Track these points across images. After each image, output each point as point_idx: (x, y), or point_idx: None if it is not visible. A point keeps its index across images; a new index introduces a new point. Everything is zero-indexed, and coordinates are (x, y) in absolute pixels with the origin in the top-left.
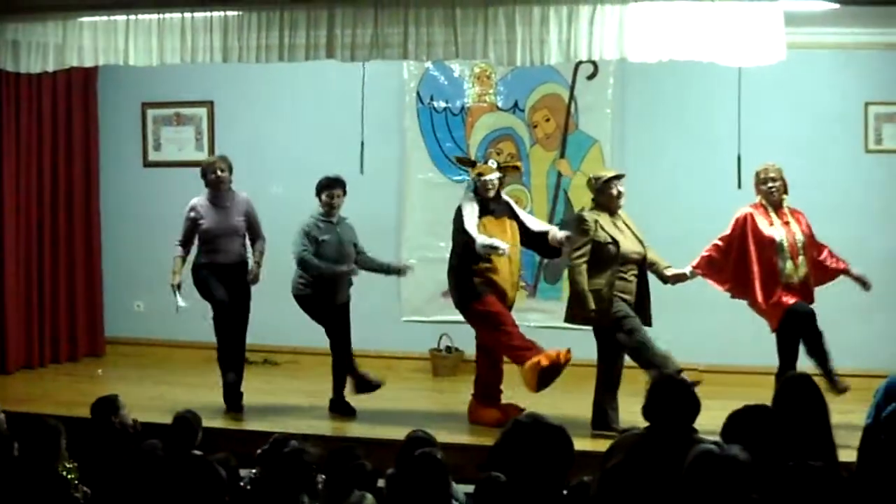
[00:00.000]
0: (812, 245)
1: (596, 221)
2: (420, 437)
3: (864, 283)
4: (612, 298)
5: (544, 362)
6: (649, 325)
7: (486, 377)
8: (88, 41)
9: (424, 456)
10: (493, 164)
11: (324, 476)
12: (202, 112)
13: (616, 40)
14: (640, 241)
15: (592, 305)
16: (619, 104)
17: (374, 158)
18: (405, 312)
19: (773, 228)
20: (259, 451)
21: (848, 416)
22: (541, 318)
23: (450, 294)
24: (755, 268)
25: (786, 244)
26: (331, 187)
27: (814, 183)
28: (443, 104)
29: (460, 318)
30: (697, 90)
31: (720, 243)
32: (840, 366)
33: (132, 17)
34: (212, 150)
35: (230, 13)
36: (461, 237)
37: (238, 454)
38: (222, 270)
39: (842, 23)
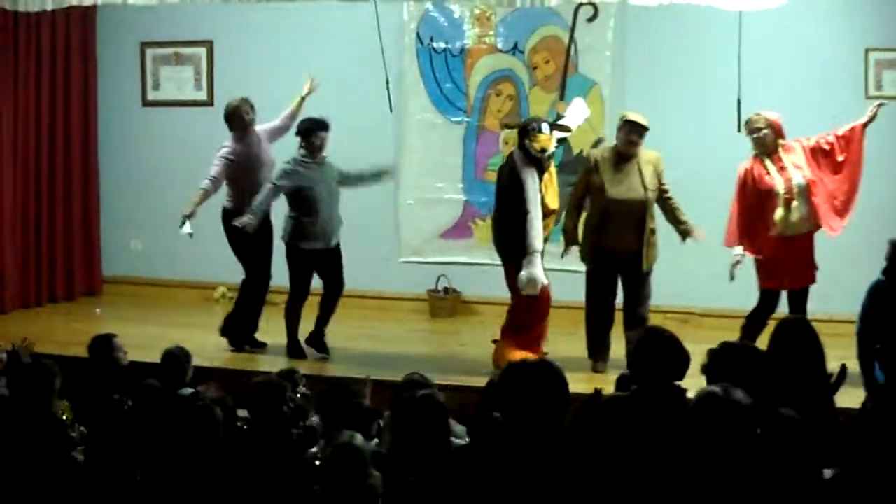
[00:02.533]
0: (820, 160)
1: (597, 163)
2: (416, 380)
3: (873, 116)
4: (591, 251)
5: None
6: (638, 272)
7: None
8: None
9: (424, 398)
10: (545, 128)
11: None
12: (201, 52)
13: None
14: (647, 188)
15: (562, 247)
16: (619, 47)
17: (371, 99)
18: (403, 253)
19: (768, 178)
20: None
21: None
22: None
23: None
24: (757, 221)
25: (782, 191)
26: (319, 129)
27: (813, 129)
28: (442, 45)
29: (459, 259)
30: (698, 33)
31: (739, 207)
32: (840, 311)
33: None
34: (211, 91)
35: None
36: (519, 206)
37: (232, 393)
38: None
39: None
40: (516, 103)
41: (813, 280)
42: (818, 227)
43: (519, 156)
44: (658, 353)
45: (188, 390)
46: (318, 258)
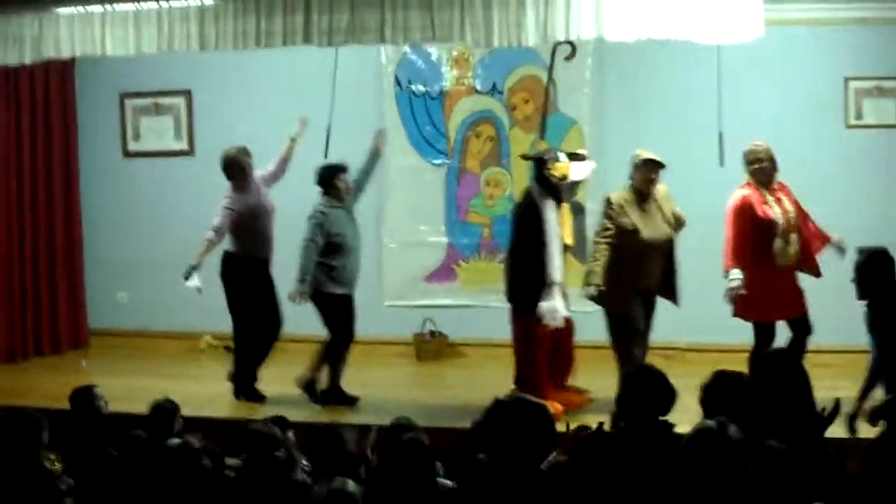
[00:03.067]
0: (802, 217)
1: (622, 206)
2: (403, 424)
3: (841, 249)
4: (627, 292)
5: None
6: (675, 302)
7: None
8: (65, 33)
9: (411, 441)
10: (563, 157)
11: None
12: (180, 101)
13: (593, 19)
14: (670, 224)
15: (598, 281)
16: (598, 84)
17: (353, 144)
18: (388, 297)
19: (768, 209)
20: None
21: (836, 393)
22: None
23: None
24: (750, 251)
25: (781, 223)
26: (341, 172)
27: (795, 159)
28: (421, 88)
29: (443, 301)
30: (676, 68)
31: (737, 233)
32: (823, 342)
33: (108, 7)
34: (191, 140)
35: (206, 1)
36: (535, 241)
37: (221, 443)
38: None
39: None
40: (496, 144)
41: (805, 307)
42: (805, 262)
43: (536, 188)
44: (644, 389)
45: (176, 441)
46: (346, 304)
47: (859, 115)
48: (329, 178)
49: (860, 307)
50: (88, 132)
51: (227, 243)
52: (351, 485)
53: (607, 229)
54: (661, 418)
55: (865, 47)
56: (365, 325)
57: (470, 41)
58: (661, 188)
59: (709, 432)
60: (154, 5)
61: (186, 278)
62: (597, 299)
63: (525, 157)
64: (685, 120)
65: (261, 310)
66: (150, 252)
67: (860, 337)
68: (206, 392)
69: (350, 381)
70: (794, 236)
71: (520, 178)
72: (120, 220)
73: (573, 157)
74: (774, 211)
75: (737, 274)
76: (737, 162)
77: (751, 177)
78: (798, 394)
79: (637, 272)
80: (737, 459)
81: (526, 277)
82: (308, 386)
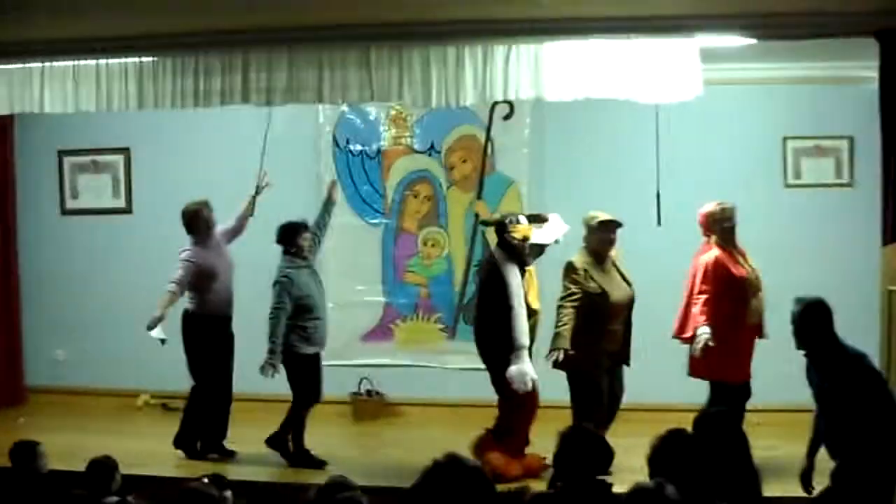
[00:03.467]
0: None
1: (585, 270)
2: (338, 482)
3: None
4: (595, 356)
5: (505, 472)
6: (627, 364)
7: (512, 421)
8: (3, 89)
9: (347, 500)
10: (523, 220)
11: None
12: (119, 159)
13: (532, 79)
14: (629, 283)
15: (566, 345)
16: (537, 144)
17: (290, 203)
18: (325, 357)
19: (739, 268)
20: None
21: (772, 452)
22: (460, 360)
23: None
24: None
25: (753, 281)
26: (303, 229)
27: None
28: (359, 147)
29: (381, 361)
30: (615, 127)
31: (713, 293)
32: (765, 401)
33: (47, 64)
34: (129, 198)
35: (145, 59)
36: (500, 306)
37: (158, 501)
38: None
39: (758, 58)
40: (434, 204)
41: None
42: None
43: (499, 253)
44: (581, 448)
45: (114, 499)
46: (315, 363)
47: (797, 175)
48: (291, 236)
49: (792, 363)
50: (26, 189)
51: (186, 301)
52: None
53: (572, 294)
54: (599, 478)
55: (804, 106)
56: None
57: (408, 100)
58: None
59: (646, 492)
60: (92, 63)
61: (150, 329)
62: (562, 364)
63: (485, 223)
64: (624, 179)
65: (219, 371)
66: (88, 309)
67: (799, 396)
68: (143, 449)
69: (286, 440)
70: (761, 294)
71: (457, 239)
72: (58, 277)
73: (533, 219)
74: (746, 270)
75: (707, 331)
76: (675, 220)
77: (719, 236)
78: (737, 453)
79: (604, 335)
80: None
81: (496, 342)
82: (278, 443)
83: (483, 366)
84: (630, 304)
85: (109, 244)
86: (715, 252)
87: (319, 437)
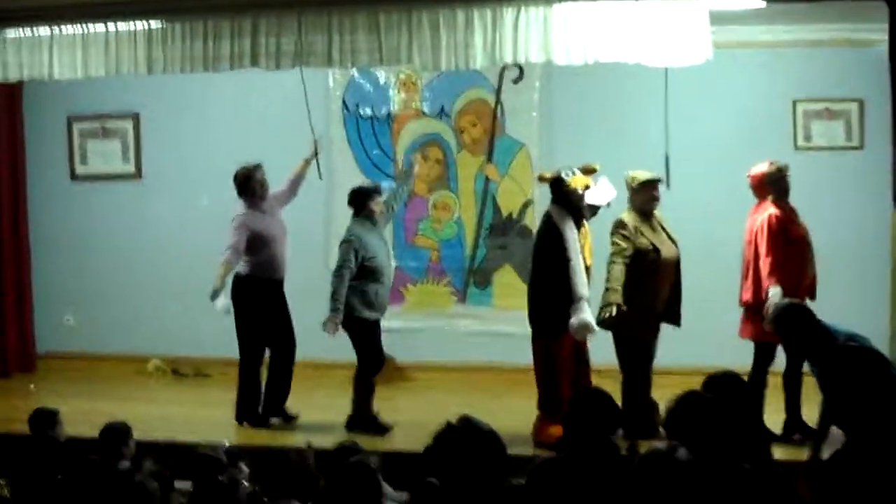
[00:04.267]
0: None
1: (636, 227)
2: (349, 446)
3: None
4: (645, 316)
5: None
6: (678, 324)
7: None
8: (12, 56)
9: (357, 464)
10: (579, 172)
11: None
12: (128, 125)
13: (541, 43)
14: (675, 242)
15: (619, 300)
16: (546, 107)
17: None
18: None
19: (796, 226)
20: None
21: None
22: (471, 323)
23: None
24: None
25: (808, 239)
26: (376, 193)
27: (744, 183)
28: (369, 111)
29: (392, 324)
30: (624, 91)
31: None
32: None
33: (56, 30)
34: (138, 163)
35: (154, 24)
36: (559, 260)
37: (170, 467)
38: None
39: (768, 21)
40: (444, 167)
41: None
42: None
43: (555, 209)
44: (590, 410)
45: (126, 464)
46: (376, 328)
47: (808, 138)
48: (363, 200)
49: None
50: (36, 155)
51: (241, 265)
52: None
53: (623, 250)
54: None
55: (814, 70)
56: (314, 347)
57: (418, 64)
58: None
59: (659, 455)
60: (101, 28)
61: (213, 300)
62: (610, 323)
63: (542, 179)
64: (633, 143)
65: (275, 333)
66: (98, 275)
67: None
68: (154, 415)
69: (298, 404)
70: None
71: (467, 202)
72: (67, 243)
73: (586, 171)
74: (802, 227)
75: (778, 291)
76: (684, 184)
77: (775, 195)
78: (748, 415)
79: (653, 294)
80: (686, 482)
81: (550, 300)
82: (359, 422)
83: (502, 329)
84: (677, 262)
85: (119, 209)
86: (773, 210)
87: (328, 399)
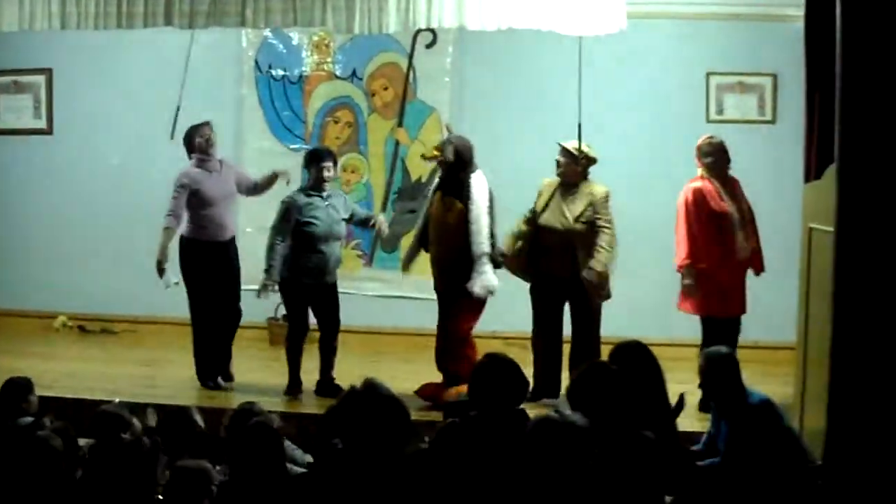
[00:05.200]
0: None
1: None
2: (247, 408)
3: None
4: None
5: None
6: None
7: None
8: None
9: (258, 425)
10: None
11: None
12: (40, 80)
13: (455, 8)
14: (568, 218)
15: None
16: (458, 73)
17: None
18: (242, 281)
19: (721, 202)
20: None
21: (688, 386)
22: (378, 286)
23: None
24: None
25: (737, 215)
26: (322, 159)
27: (656, 153)
28: (281, 72)
29: None
30: (538, 59)
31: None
32: (678, 336)
33: None
34: (50, 119)
35: None
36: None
37: (74, 423)
38: (216, 249)
39: None
40: (355, 130)
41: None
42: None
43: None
44: (497, 378)
45: (28, 419)
46: (306, 294)
47: (720, 111)
48: (308, 162)
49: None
50: None
51: (182, 227)
52: (202, 463)
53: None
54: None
55: (728, 43)
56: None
57: (331, 26)
58: (597, 188)
59: (549, 421)
60: None
61: (161, 276)
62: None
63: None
64: (545, 111)
65: (217, 295)
66: (6, 230)
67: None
68: (60, 371)
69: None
70: (746, 231)
71: (377, 165)
72: None
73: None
74: (728, 203)
75: (685, 265)
76: (596, 153)
77: (704, 169)
78: (651, 385)
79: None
80: (579, 447)
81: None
82: (323, 388)
83: (409, 293)
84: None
85: (29, 166)
86: (695, 185)
87: (235, 360)
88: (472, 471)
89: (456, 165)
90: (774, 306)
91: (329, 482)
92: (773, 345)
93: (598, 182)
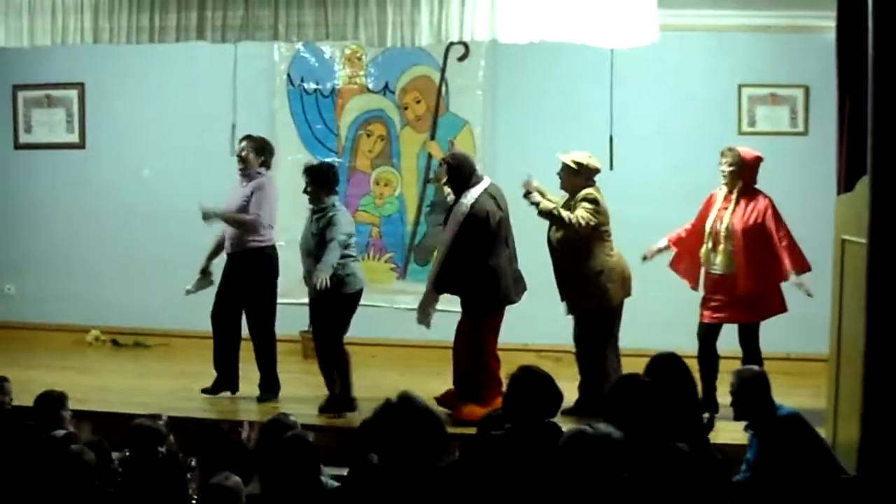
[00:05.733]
0: (755, 235)
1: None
2: (281, 420)
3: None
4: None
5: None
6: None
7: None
8: None
9: (293, 439)
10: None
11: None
12: (73, 94)
13: (487, 21)
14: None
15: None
16: (491, 86)
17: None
18: (279, 295)
19: (714, 211)
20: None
21: (725, 398)
22: (411, 300)
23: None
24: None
25: (708, 228)
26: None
27: (686, 166)
28: (313, 86)
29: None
30: (570, 72)
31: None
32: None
33: None
34: (83, 133)
35: None
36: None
37: (107, 437)
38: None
39: (716, 5)
40: (387, 143)
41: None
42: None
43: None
44: (531, 391)
45: (61, 432)
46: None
47: (752, 122)
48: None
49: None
50: None
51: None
52: (234, 479)
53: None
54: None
55: (760, 54)
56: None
57: (363, 40)
58: (584, 192)
59: (582, 435)
60: None
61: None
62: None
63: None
64: (577, 123)
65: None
66: (40, 244)
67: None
68: (92, 384)
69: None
70: (722, 246)
71: (410, 178)
72: (9, 211)
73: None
74: (712, 215)
75: (663, 242)
76: (627, 165)
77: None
78: (684, 397)
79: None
80: (613, 460)
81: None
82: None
83: (442, 307)
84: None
85: (62, 179)
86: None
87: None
88: (506, 484)
89: (454, 183)
90: (807, 317)
91: (364, 496)
92: (805, 356)
93: (594, 188)
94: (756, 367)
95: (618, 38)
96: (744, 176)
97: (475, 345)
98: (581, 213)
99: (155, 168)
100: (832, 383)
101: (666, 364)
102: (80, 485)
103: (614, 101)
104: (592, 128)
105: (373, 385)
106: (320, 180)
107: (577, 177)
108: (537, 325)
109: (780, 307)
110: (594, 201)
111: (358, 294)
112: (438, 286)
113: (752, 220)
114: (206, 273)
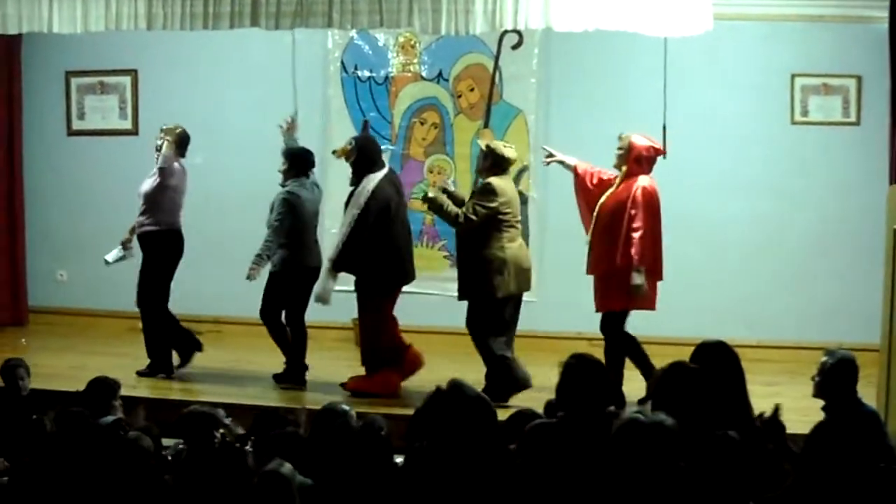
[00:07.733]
0: (613, 218)
1: None
2: (332, 408)
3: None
4: None
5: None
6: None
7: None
8: (12, 8)
9: (369, 425)
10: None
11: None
12: (126, 81)
13: (541, 9)
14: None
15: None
16: (544, 74)
17: (300, 128)
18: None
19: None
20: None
21: (774, 388)
22: None
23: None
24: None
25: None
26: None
27: (739, 155)
28: (367, 73)
29: None
30: (623, 60)
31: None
32: (765, 338)
33: None
34: (136, 120)
35: None
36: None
37: (160, 423)
38: None
39: None
40: (441, 131)
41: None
42: None
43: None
44: (584, 379)
45: (110, 418)
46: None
47: (805, 112)
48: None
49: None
50: (33, 109)
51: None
52: (287, 467)
53: None
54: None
55: (813, 44)
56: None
57: (418, 27)
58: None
59: (636, 423)
60: None
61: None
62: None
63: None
64: (630, 112)
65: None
66: (92, 231)
67: (799, 333)
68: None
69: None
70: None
71: (463, 166)
72: (62, 198)
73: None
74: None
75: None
76: (680, 154)
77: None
78: (732, 385)
79: None
80: (668, 448)
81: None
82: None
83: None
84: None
85: (115, 166)
86: (653, 182)
87: (322, 361)
88: (561, 472)
89: (359, 167)
90: (858, 308)
91: (418, 483)
92: (857, 346)
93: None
94: (850, 352)
95: (671, 26)
96: (629, 161)
97: (374, 322)
98: (469, 208)
99: (207, 155)
100: (883, 373)
101: (713, 352)
102: (137, 472)
103: (667, 89)
104: (645, 116)
105: (424, 372)
106: (298, 164)
107: (486, 161)
108: (590, 313)
109: (620, 303)
110: (490, 191)
111: (301, 272)
112: (337, 265)
113: (614, 203)
114: (126, 246)
